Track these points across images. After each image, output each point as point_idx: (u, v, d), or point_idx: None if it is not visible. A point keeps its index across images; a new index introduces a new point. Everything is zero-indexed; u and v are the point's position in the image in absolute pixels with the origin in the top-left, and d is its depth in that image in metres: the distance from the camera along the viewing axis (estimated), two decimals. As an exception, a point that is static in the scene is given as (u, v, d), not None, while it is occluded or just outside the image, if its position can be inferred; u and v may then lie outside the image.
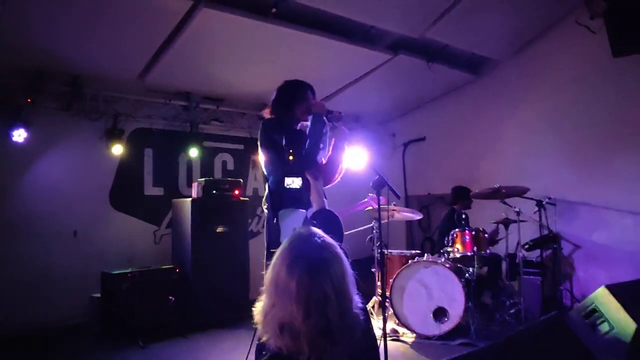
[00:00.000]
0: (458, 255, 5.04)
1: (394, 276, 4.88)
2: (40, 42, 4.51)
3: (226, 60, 5.34)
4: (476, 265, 4.96)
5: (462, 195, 5.77)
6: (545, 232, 5.43)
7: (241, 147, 6.79)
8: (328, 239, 1.46)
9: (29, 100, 4.98)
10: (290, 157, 2.52)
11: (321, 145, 3.02)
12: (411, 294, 4.80)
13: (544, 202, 5.37)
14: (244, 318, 5.32)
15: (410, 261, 4.97)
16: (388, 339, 4.34)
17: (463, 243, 5.03)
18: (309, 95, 3.12)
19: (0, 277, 4.79)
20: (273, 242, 2.93)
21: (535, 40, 6.10)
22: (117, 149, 5.52)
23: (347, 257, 1.46)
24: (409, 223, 7.71)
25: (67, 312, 5.04)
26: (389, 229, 5.56)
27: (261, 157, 3.11)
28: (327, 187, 3.25)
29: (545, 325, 3.11)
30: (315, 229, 1.49)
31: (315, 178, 2.90)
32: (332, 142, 3.15)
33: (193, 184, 5.70)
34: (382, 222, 3.45)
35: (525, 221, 5.21)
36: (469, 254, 4.98)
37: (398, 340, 4.77)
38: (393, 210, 5.11)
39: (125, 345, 4.54)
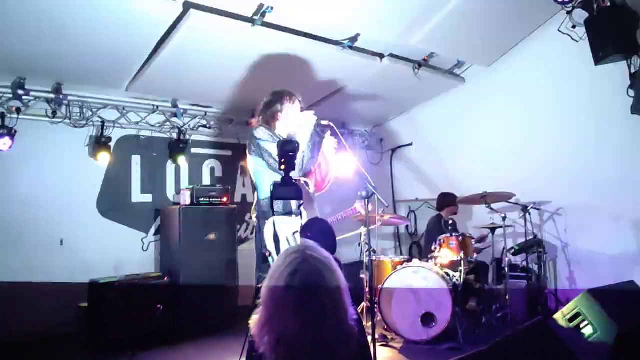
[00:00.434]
0: (445, 261, 5.10)
1: (383, 282, 4.92)
2: (24, 49, 4.48)
3: (214, 67, 5.34)
4: (463, 270, 5.02)
5: (448, 202, 5.85)
6: (530, 236, 5.52)
7: (229, 153, 6.79)
8: (323, 251, 1.48)
9: (13, 108, 4.95)
10: (282, 168, 2.54)
11: (310, 155, 3.05)
12: (399, 300, 4.84)
13: (528, 208, 5.46)
14: (233, 326, 5.37)
15: (398, 267, 5.01)
16: (377, 344, 4.38)
17: (450, 248, 5.09)
18: (297, 103, 3.16)
19: (-15, 287, 4.73)
20: (262, 251, 2.94)
21: (518, 47, 6.20)
22: (104, 157, 5.48)
23: (341, 268, 1.49)
24: (397, 228, 7.77)
25: (53, 321, 4.97)
26: (378, 234, 5.62)
27: (250, 166, 3.14)
28: (316, 195, 3.29)
29: (529, 331, 3.17)
30: (309, 242, 1.52)
31: (306, 187, 2.93)
32: (321, 151, 3.18)
33: (181, 191, 5.69)
34: (370, 228, 3.49)
35: (511, 226, 5.29)
36: (456, 259, 5.04)
37: (387, 345, 4.81)
38: (381, 216, 5.15)
39: (113, 355, 4.50)
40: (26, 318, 4.86)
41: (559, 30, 5.30)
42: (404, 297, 4.82)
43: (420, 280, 4.80)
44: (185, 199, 5.54)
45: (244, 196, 6.90)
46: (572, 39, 5.23)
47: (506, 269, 5.21)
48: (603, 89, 5.35)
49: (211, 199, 5.63)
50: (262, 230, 2.95)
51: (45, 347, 4.81)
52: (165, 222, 5.71)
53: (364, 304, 5.19)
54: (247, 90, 5.81)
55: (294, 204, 3.05)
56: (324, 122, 3.10)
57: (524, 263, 5.74)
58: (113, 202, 5.71)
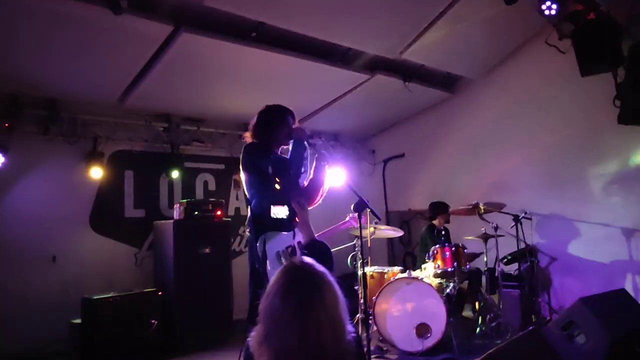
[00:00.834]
0: (439, 271, 5.12)
1: (377, 293, 4.93)
2: (16, 66, 4.50)
3: (206, 82, 5.39)
4: (457, 280, 5.05)
5: (440, 210, 5.88)
6: (523, 245, 5.56)
7: (222, 166, 6.81)
8: (320, 267, 1.49)
9: (6, 125, 4.93)
10: (277, 186, 2.57)
11: (303, 170, 3.08)
12: (394, 311, 4.85)
13: (520, 217, 5.51)
14: (227, 340, 5.34)
15: (392, 278, 5.03)
16: (372, 356, 4.38)
17: (443, 259, 5.11)
18: (289, 120, 3.19)
19: (-23, 305, 4.69)
20: (256, 265, 2.95)
21: (507, 59, 6.31)
22: (97, 172, 5.47)
23: (339, 285, 1.50)
24: (391, 238, 7.79)
25: (46, 339, 4.93)
26: (371, 245, 5.64)
27: (244, 181, 3.16)
28: (309, 209, 3.32)
29: (524, 340, 3.20)
30: (307, 258, 1.54)
31: (302, 207, 2.94)
32: (314, 165, 3.21)
33: (175, 206, 5.69)
34: (363, 239, 3.51)
35: (503, 236, 5.34)
36: (449, 269, 5.06)
37: (382, 357, 4.81)
38: (374, 229, 5.17)
39: (107, 372, 4.48)
40: (19, 335, 4.82)
41: (546, 42, 5.41)
42: (399, 308, 4.83)
43: (414, 291, 4.81)
44: (179, 213, 5.54)
45: (237, 209, 6.91)
46: (560, 50, 5.33)
47: (499, 278, 5.25)
48: (590, 99, 5.45)
49: (205, 213, 5.63)
50: (255, 245, 2.97)
51: (38, 364, 4.76)
52: (159, 236, 5.70)
53: (358, 316, 5.19)
54: (240, 103, 5.86)
55: (286, 217, 3.08)
56: (315, 137, 3.13)
57: (517, 272, 5.78)
58: (106, 218, 5.69)
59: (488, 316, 5.22)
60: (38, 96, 5.11)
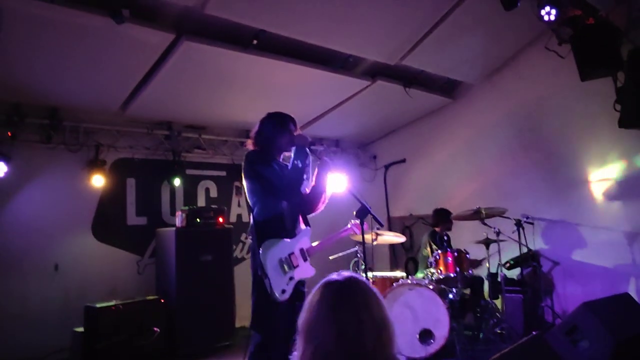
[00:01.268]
0: (441, 277, 5.11)
1: (379, 299, 4.91)
2: (18, 75, 4.53)
3: (208, 90, 5.41)
4: (459, 286, 5.04)
5: (443, 218, 5.88)
6: (525, 250, 5.56)
7: (223, 173, 6.81)
8: (359, 276, 1.45)
9: (8, 133, 4.96)
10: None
11: (305, 177, 3.09)
12: (397, 317, 4.82)
13: (522, 222, 5.51)
14: (230, 347, 5.33)
15: (394, 284, 5.02)
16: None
17: (446, 264, 5.11)
18: (291, 127, 3.21)
19: (-21, 314, 4.69)
20: (259, 272, 2.96)
21: (507, 64, 6.33)
22: (99, 180, 5.48)
23: None
24: (393, 244, 7.78)
25: (49, 347, 4.91)
26: (373, 250, 5.63)
27: (246, 188, 3.17)
28: (311, 215, 3.32)
29: (527, 345, 3.19)
30: (345, 272, 1.48)
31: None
32: (315, 172, 3.23)
33: (177, 213, 5.69)
34: (365, 245, 3.51)
35: (505, 240, 5.33)
36: (452, 275, 5.05)
37: (385, 363, 4.78)
38: (377, 235, 5.16)
39: (109, 380, 4.46)
40: (22, 343, 4.81)
41: (545, 48, 5.43)
42: (401, 314, 4.80)
43: (417, 296, 4.80)
44: (181, 220, 5.54)
45: (239, 216, 6.91)
46: (559, 55, 5.35)
47: (502, 283, 5.24)
48: (590, 104, 5.46)
49: (207, 220, 5.63)
50: (258, 252, 2.97)
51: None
52: (161, 244, 5.70)
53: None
54: (241, 111, 5.88)
55: (289, 225, 3.09)
56: (317, 144, 3.15)
57: (519, 277, 5.77)
58: (108, 225, 5.69)
59: (491, 321, 5.20)
60: (40, 105, 5.13)
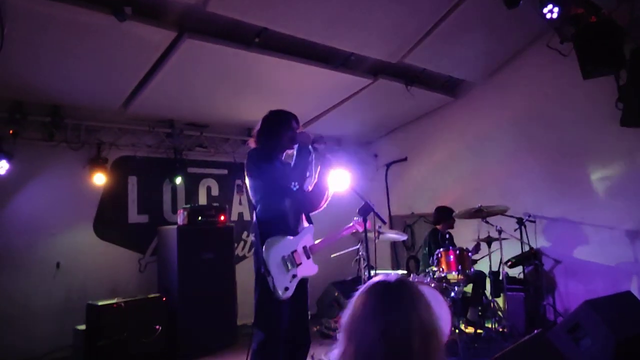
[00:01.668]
0: (443, 275, 5.11)
1: (381, 297, 4.91)
2: (20, 73, 4.53)
3: (210, 88, 5.41)
4: (461, 284, 5.03)
5: (445, 216, 5.87)
6: (527, 248, 5.56)
7: (225, 172, 6.81)
8: (407, 278, 1.41)
9: (10, 131, 4.96)
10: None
11: (307, 174, 3.09)
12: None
13: (524, 220, 5.50)
14: (232, 345, 5.34)
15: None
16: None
17: (448, 262, 5.10)
18: (293, 124, 3.21)
19: (-19, 312, 4.70)
20: (261, 270, 2.96)
21: (508, 62, 6.32)
22: (101, 178, 5.48)
23: None
24: (394, 242, 7.78)
25: (50, 345, 4.94)
26: (375, 249, 5.62)
27: (249, 186, 3.17)
28: (313, 213, 3.32)
29: (529, 344, 3.19)
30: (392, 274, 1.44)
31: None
32: (318, 170, 3.22)
33: (178, 211, 5.69)
34: (368, 243, 3.51)
35: (507, 239, 5.33)
36: (453, 273, 5.05)
37: (387, 361, 4.78)
38: (379, 233, 5.16)
39: (112, 378, 4.47)
40: (24, 341, 4.82)
41: (547, 46, 5.42)
42: (403, 312, 4.80)
43: (419, 295, 4.79)
44: (183, 218, 5.54)
45: (240, 214, 6.91)
46: (561, 53, 5.34)
47: (504, 282, 5.24)
48: (592, 102, 5.45)
49: (208, 218, 5.63)
50: (261, 250, 2.97)
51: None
52: (163, 242, 5.70)
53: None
54: (243, 109, 5.88)
55: (292, 223, 3.09)
56: (319, 141, 3.15)
57: (521, 275, 5.77)
58: (110, 224, 5.70)
59: (493, 320, 5.20)
60: (42, 102, 5.14)
